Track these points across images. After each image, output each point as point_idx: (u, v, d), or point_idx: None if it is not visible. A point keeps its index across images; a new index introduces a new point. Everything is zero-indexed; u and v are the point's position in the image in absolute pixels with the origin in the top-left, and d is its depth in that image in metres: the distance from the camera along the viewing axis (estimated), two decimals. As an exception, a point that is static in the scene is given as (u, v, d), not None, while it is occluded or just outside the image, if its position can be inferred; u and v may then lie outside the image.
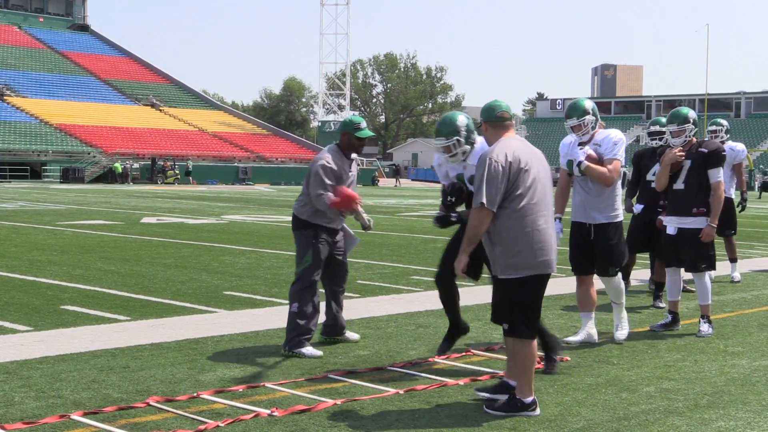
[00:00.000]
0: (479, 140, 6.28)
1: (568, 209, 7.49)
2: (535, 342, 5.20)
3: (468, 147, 6.24)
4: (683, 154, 7.58)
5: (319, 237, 6.78)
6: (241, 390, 5.56)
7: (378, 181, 62.74)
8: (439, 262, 6.60)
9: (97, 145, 58.98)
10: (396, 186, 59.92)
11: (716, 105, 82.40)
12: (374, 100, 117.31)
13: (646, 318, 8.48)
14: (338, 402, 5.28)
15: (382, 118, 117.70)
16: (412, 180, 71.57)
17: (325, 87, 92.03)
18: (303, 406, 5.15)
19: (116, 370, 6.01)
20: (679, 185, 7.66)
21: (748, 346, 7.19)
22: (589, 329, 7.15)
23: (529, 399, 5.09)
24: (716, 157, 7.58)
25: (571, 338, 7.15)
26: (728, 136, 11.36)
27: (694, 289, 9.54)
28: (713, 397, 5.55)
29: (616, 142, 6.96)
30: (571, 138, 7.17)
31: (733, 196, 11.41)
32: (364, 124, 6.94)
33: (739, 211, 11.70)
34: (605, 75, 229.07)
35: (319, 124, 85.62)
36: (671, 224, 7.75)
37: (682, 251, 7.65)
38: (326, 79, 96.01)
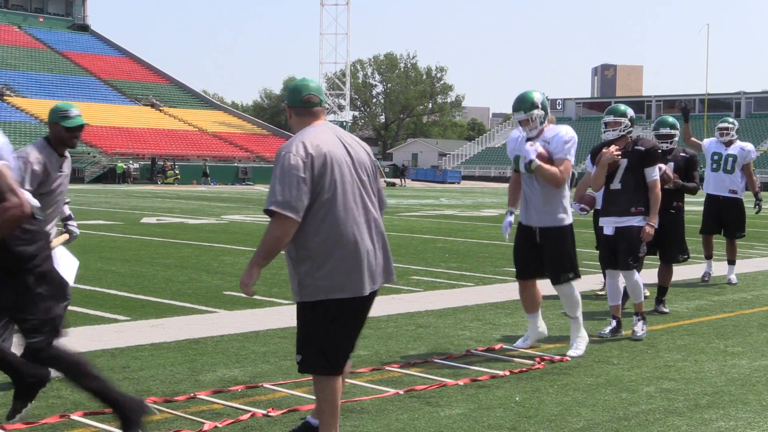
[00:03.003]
0: None
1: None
2: (339, 379, 4.29)
3: None
4: (620, 153, 7.34)
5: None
6: (240, 390, 5.56)
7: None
8: None
9: (97, 145, 58.96)
10: (403, 185, 59.84)
11: (716, 105, 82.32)
12: (374, 100, 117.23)
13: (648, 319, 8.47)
14: (338, 402, 5.27)
15: (382, 118, 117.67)
16: (412, 180, 71.51)
17: (325, 87, 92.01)
18: (302, 407, 5.15)
19: (116, 370, 6.00)
20: (616, 185, 7.41)
21: (748, 346, 7.19)
22: (538, 328, 6.93)
23: None
24: (652, 155, 7.37)
25: (520, 342, 6.92)
26: (737, 136, 11.27)
27: (648, 294, 9.47)
28: (713, 397, 5.55)
29: (566, 141, 6.60)
30: (518, 132, 6.85)
31: (743, 197, 11.34)
32: (74, 111, 5.49)
33: (756, 212, 11.65)
34: (605, 75, 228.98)
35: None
36: (608, 225, 7.47)
37: (618, 250, 7.41)
38: (326, 79, 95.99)
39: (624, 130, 7.40)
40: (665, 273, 9.05)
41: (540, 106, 6.64)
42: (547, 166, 6.54)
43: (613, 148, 7.34)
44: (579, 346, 6.74)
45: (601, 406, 5.32)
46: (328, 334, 4.18)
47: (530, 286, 6.91)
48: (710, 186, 11.28)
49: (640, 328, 7.41)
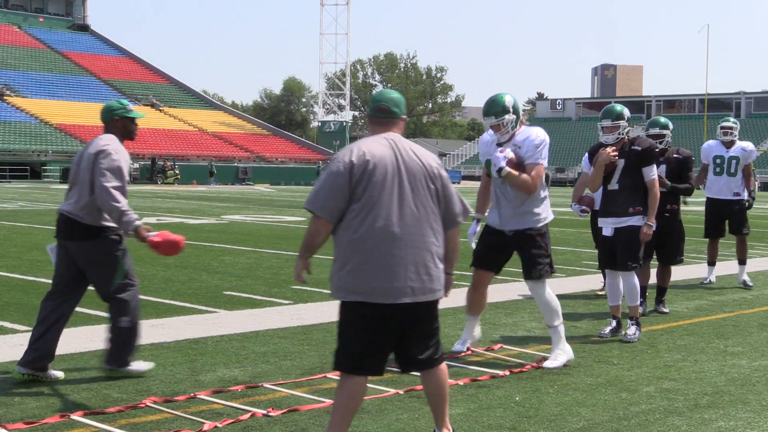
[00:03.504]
0: None
1: None
2: (360, 380, 4.24)
3: None
4: (617, 153, 7.29)
5: (120, 242, 6.16)
6: (240, 390, 5.56)
7: None
8: None
9: (97, 145, 58.97)
10: None
11: (716, 105, 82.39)
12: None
13: (646, 320, 8.47)
14: (338, 402, 5.27)
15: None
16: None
17: (325, 87, 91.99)
18: (302, 407, 5.16)
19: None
20: (614, 185, 7.36)
21: (748, 346, 7.19)
22: (474, 331, 6.78)
23: None
24: (649, 155, 7.32)
25: (458, 346, 6.74)
26: (737, 136, 11.13)
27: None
28: (713, 397, 5.55)
29: (538, 144, 6.38)
30: (488, 136, 6.72)
31: (745, 198, 11.22)
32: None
33: (747, 208, 11.49)
34: (605, 75, 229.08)
35: (319, 124, 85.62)
36: (607, 226, 7.42)
37: (616, 250, 7.35)
38: (326, 79, 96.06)
39: (622, 133, 7.38)
40: (664, 274, 9.04)
41: (512, 110, 6.43)
42: (517, 174, 6.34)
43: (609, 148, 7.31)
44: (558, 358, 6.46)
45: (601, 406, 5.32)
46: (350, 334, 4.26)
47: (484, 285, 6.73)
48: (713, 190, 11.05)
49: (632, 332, 7.34)
